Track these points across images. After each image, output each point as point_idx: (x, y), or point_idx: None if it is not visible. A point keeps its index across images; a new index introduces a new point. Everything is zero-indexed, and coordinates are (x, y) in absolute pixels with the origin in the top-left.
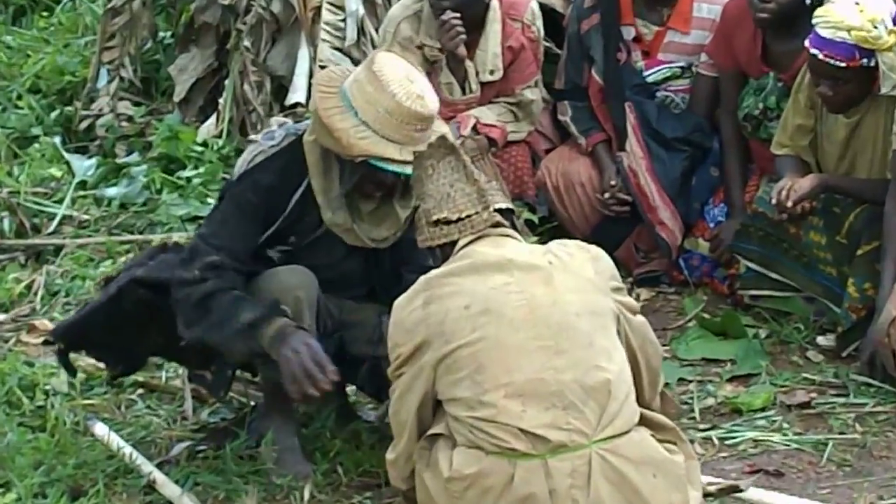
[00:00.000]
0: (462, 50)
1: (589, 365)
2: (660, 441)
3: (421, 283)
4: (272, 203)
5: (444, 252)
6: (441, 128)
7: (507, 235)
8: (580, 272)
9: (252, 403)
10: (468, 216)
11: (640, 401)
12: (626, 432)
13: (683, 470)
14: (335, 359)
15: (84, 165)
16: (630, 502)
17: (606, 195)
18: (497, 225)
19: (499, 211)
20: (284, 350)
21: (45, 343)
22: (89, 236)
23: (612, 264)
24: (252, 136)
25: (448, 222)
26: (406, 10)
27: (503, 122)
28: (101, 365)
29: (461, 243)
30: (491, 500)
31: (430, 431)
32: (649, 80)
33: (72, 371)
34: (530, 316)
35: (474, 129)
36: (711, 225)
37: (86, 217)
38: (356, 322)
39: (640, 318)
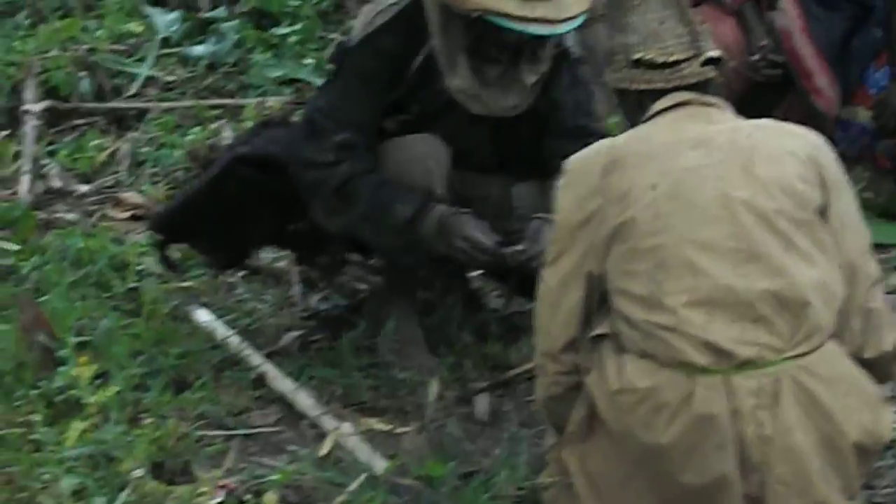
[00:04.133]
0: None
1: (786, 272)
2: None
3: (604, 145)
4: (396, 69)
5: (642, 104)
6: None
7: (710, 104)
8: (785, 160)
9: (367, 289)
10: (677, 62)
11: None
12: (821, 346)
13: (877, 387)
14: None
15: (166, 20)
16: (820, 427)
17: (756, 56)
18: (705, 83)
19: (710, 62)
20: (453, 242)
21: (134, 217)
22: (176, 99)
23: (826, 148)
24: None
25: (653, 65)
26: None
27: None
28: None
29: (656, 107)
30: (665, 418)
31: (594, 332)
32: None
33: (172, 267)
34: (725, 210)
35: None
36: (873, 91)
37: (171, 78)
38: (480, 196)
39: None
